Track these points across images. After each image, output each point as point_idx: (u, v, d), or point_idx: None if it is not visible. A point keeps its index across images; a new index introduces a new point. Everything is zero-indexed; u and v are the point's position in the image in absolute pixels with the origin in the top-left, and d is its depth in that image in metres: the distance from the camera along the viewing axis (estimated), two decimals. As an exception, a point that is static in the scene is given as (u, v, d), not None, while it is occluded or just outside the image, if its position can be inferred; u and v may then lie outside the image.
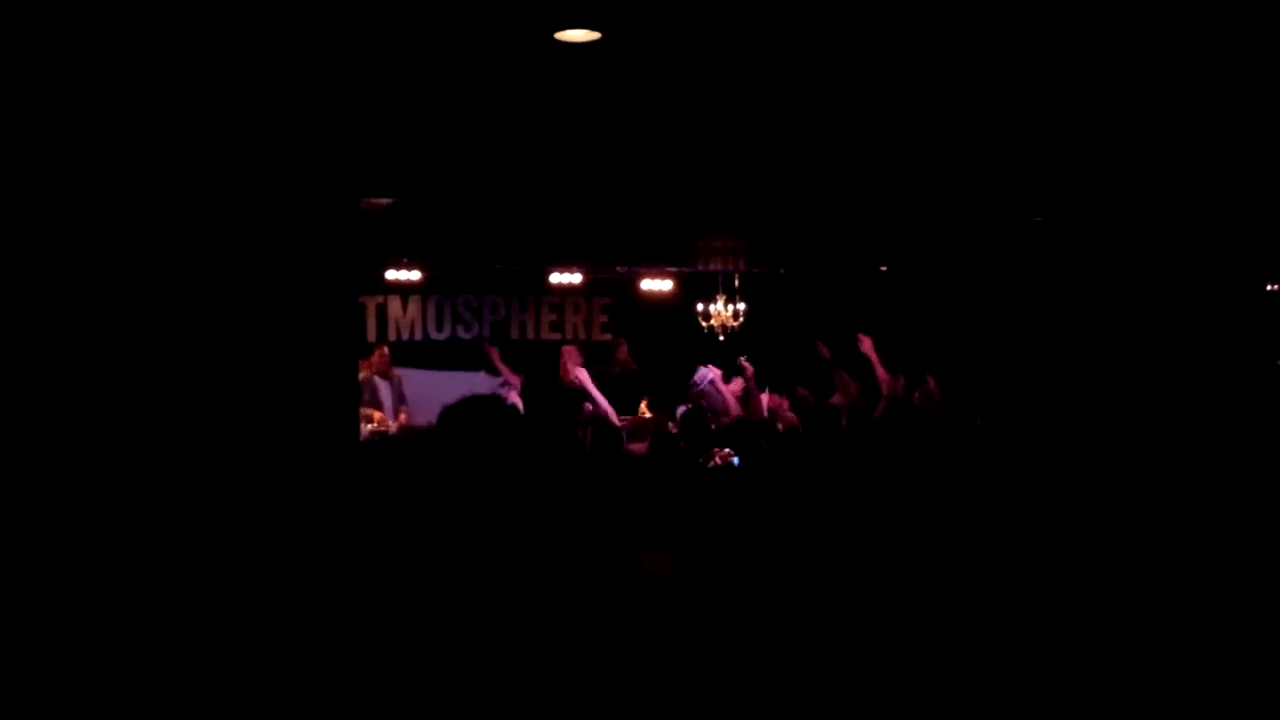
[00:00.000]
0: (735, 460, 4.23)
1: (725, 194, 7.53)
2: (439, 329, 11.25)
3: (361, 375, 8.88)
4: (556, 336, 11.46)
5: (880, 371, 7.22)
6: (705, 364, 7.47)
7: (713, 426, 6.44)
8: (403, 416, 9.17)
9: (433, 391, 9.18)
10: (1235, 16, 4.02)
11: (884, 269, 10.42)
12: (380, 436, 8.20)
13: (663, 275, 10.97)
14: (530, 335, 11.59)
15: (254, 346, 4.64)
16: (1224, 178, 7.43)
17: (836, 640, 2.80)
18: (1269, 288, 11.28)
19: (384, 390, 9.35)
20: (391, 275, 10.25)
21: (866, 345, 7.33)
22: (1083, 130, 6.10)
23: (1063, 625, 3.18)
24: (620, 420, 6.94)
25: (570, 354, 8.46)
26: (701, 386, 7.14)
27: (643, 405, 9.24)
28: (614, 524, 3.64)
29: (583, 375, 7.16)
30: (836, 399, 7.04)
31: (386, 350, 9.57)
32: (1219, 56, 4.64)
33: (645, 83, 4.60)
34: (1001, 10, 3.93)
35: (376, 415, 9.04)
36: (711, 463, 4.59)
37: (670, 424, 6.09)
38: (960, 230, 8.98)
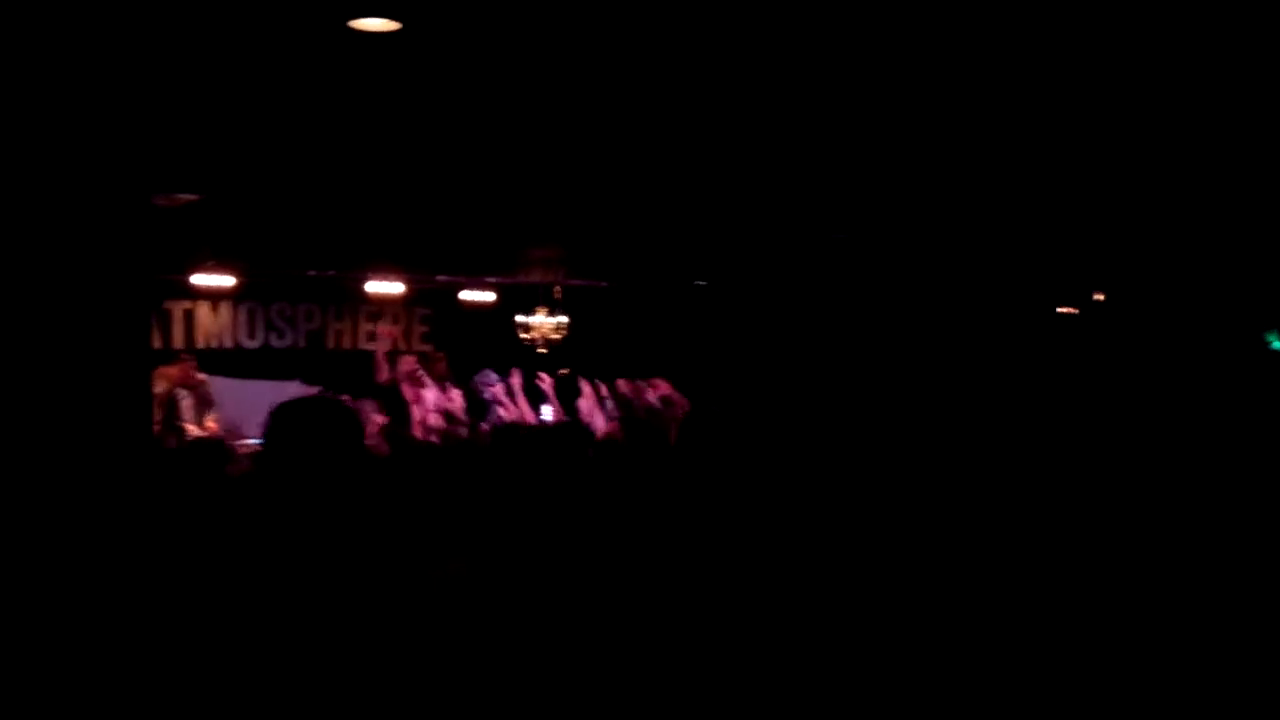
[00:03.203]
0: None
1: (545, 202, 7.54)
2: (251, 337, 10.89)
3: (160, 388, 8.53)
4: (374, 347, 11.24)
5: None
6: (488, 369, 7.54)
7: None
8: (211, 425, 8.82)
9: (243, 402, 8.88)
10: (1024, 42, 4.25)
11: (700, 283, 10.63)
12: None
13: (484, 286, 10.91)
14: (347, 345, 11.36)
15: (29, 350, 4.37)
16: (1019, 202, 7.87)
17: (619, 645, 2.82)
18: (1059, 310, 12.03)
19: (185, 401, 8.96)
20: (201, 281, 9.85)
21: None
22: (886, 152, 6.36)
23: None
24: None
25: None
26: (487, 390, 7.20)
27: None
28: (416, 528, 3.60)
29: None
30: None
31: (189, 359, 9.17)
32: (1010, 84, 4.90)
33: (451, 81, 4.56)
34: (807, 34, 4.05)
35: (188, 428, 8.70)
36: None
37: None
38: (771, 247, 9.24)
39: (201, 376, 9.12)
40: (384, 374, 8.40)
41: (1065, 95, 5.10)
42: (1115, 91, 5.07)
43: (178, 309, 10.41)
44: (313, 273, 10.19)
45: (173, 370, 8.86)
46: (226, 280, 9.93)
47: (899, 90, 4.96)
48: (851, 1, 3.78)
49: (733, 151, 6.21)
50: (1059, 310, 11.66)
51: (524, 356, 10.47)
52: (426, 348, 11.27)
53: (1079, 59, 4.48)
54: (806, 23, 3.97)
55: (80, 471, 4.33)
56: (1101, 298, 11.63)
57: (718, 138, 5.85)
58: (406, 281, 10.63)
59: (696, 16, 3.82)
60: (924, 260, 9.35)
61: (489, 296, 11.10)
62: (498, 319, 11.13)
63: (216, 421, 8.94)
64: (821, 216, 7.98)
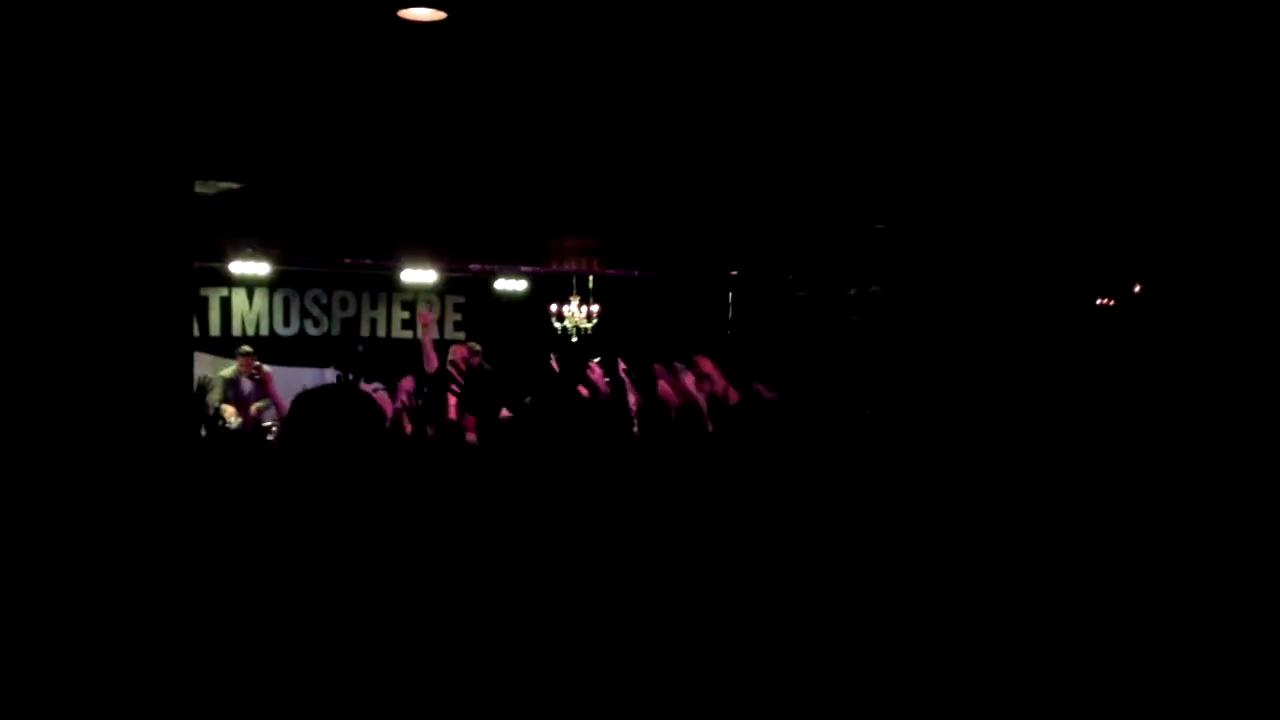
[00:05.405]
0: None
1: (579, 190, 7.54)
2: (286, 324, 10.98)
3: (227, 373, 9.10)
4: (409, 335, 11.31)
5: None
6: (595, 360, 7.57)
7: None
8: (253, 410, 8.97)
9: (281, 388, 9.00)
10: (1059, 34, 4.22)
11: (734, 274, 10.60)
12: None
13: (517, 275, 10.95)
14: (381, 333, 11.42)
15: (72, 335, 4.41)
16: (1059, 195, 7.80)
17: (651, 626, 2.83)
18: (1099, 302, 11.90)
19: (247, 389, 9.17)
20: (237, 269, 9.96)
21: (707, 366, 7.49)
22: (925, 141, 6.32)
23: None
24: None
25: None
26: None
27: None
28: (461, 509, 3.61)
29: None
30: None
31: (249, 349, 9.36)
32: (1048, 75, 4.86)
33: (493, 69, 4.56)
34: (845, 21, 4.04)
35: (229, 410, 8.83)
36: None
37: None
38: (806, 236, 9.20)
39: (260, 366, 9.33)
40: (434, 362, 8.31)
41: (1111, 90, 5.05)
42: (1172, 86, 5.02)
43: (215, 296, 10.51)
44: (348, 261, 10.25)
45: (240, 363, 9.24)
46: (263, 268, 10.03)
47: (938, 82, 4.93)
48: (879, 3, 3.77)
49: (770, 142, 6.19)
50: (1096, 302, 11.55)
51: (557, 345, 10.52)
52: (460, 336, 11.33)
53: (1132, 56, 4.44)
54: (840, 21, 3.97)
55: (122, 457, 4.38)
56: (1140, 289, 11.51)
57: (758, 127, 5.83)
58: (441, 270, 10.69)
59: (733, 9, 3.81)
60: (958, 251, 9.28)
61: (522, 285, 11.13)
62: (531, 308, 11.18)
63: (258, 409, 9.10)
64: (859, 207, 7.95)
